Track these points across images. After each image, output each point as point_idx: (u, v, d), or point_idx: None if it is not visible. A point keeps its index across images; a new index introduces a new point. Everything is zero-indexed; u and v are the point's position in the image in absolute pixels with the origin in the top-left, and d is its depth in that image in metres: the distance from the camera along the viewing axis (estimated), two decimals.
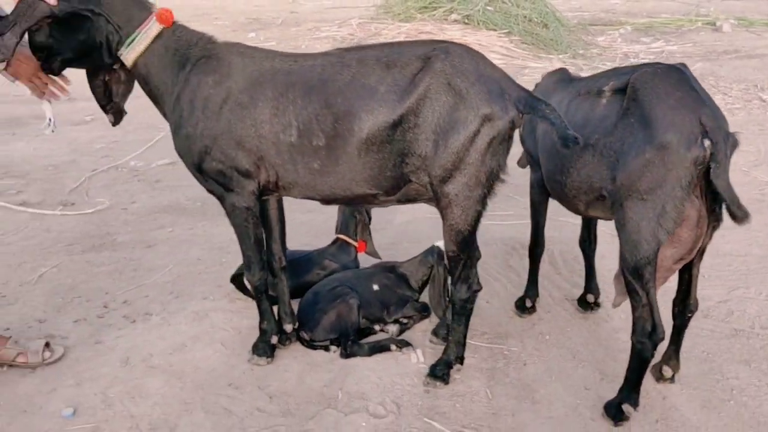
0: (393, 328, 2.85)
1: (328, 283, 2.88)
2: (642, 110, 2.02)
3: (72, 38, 2.36)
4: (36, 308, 3.07)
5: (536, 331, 2.85)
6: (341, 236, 3.16)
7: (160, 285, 3.26)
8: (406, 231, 3.79)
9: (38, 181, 4.56)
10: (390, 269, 2.99)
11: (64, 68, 2.47)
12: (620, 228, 2.13)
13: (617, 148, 2.09)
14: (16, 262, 3.47)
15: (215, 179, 2.39)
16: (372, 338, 2.82)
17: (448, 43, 2.28)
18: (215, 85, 2.30)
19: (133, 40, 2.37)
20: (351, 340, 2.70)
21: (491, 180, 2.25)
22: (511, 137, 2.27)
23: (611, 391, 2.40)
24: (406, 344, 2.73)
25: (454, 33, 8.37)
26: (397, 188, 2.34)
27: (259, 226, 2.51)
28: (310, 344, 2.75)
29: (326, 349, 2.73)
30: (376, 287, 2.89)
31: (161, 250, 3.63)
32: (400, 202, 2.45)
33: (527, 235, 3.55)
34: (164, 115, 2.53)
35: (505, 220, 3.86)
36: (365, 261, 3.20)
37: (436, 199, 2.29)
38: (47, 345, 2.70)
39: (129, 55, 2.39)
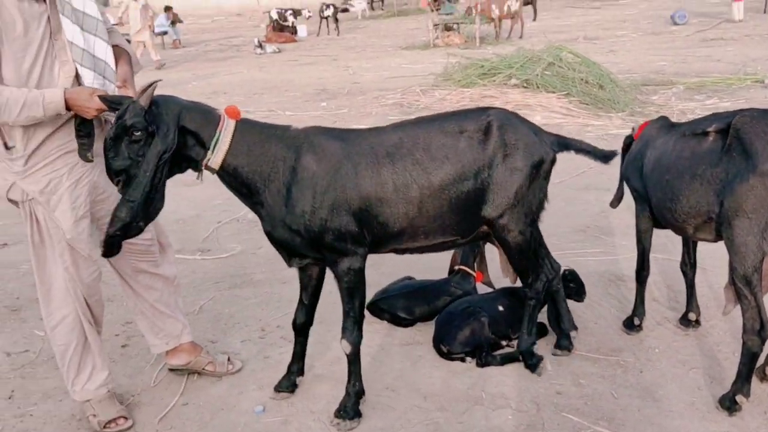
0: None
1: (460, 305, 3.34)
2: (744, 146, 2.50)
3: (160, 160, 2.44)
4: (205, 331, 3.61)
5: (645, 346, 3.25)
6: (462, 267, 3.65)
7: None
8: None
9: (173, 232, 5.14)
10: (512, 293, 3.44)
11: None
12: (729, 244, 2.57)
13: (723, 177, 2.56)
14: None
15: (332, 246, 2.61)
16: (501, 351, 3.25)
17: (494, 109, 2.86)
18: (318, 163, 2.58)
19: (217, 141, 2.52)
20: (485, 352, 3.15)
21: (539, 208, 2.88)
22: (550, 173, 2.87)
23: (722, 391, 2.77)
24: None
25: (515, 96, 8.99)
26: (472, 231, 2.84)
27: (365, 287, 2.77)
28: (449, 356, 3.20)
29: (462, 360, 3.17)
30: (501, 308, 3.34)
31: (295, 285, 4.08)
32: (465, 243, 2.95)
33: (619, 267, 3.99)
34: (252, 204, 2.67)
35: (597, 257, 4.29)
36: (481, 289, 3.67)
37: (497, 230, 2.79)
38: (228, 359, 3.21)
39: (217, 157, 2.53)
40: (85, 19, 2.61)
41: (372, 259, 4.40)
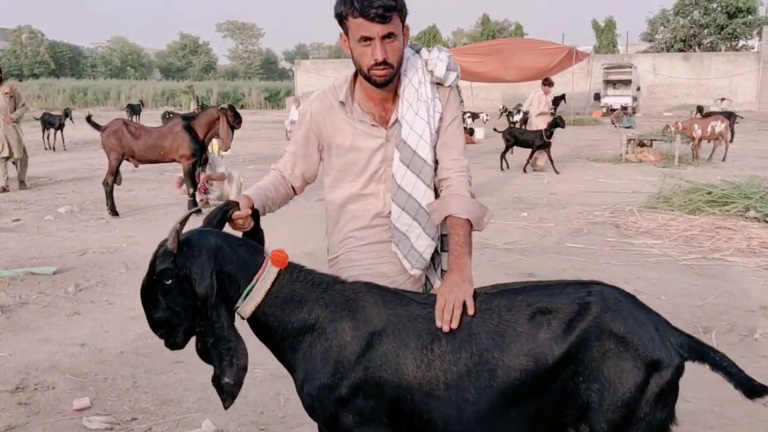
0: None
1: None
2: None
3: (189, 303, 2.11)
4: None
5: None
6: None
7: None
8: None
9: None
10: None
11: (187, 340, 2.20)
12: None
13: None
14: None
15: (350, 429, 2.10)
16: None
17: (600, 285, 2.08)
18: (353, 331, 2.09)
19: (251, 290, 2.14)
20: None
21: None
22: (677, 386, 1.97)
23: None
24: None
25: (757, 231, 7.97)
26: None
27: None
28: None
29: None
30: None
31: None
32: None
33: None
34: (284, 361, 2.24)
35: None
36: None
37: None
38: None
39: (247, 306, 2.15)
40: (413, 159, 2.44)
41: None
